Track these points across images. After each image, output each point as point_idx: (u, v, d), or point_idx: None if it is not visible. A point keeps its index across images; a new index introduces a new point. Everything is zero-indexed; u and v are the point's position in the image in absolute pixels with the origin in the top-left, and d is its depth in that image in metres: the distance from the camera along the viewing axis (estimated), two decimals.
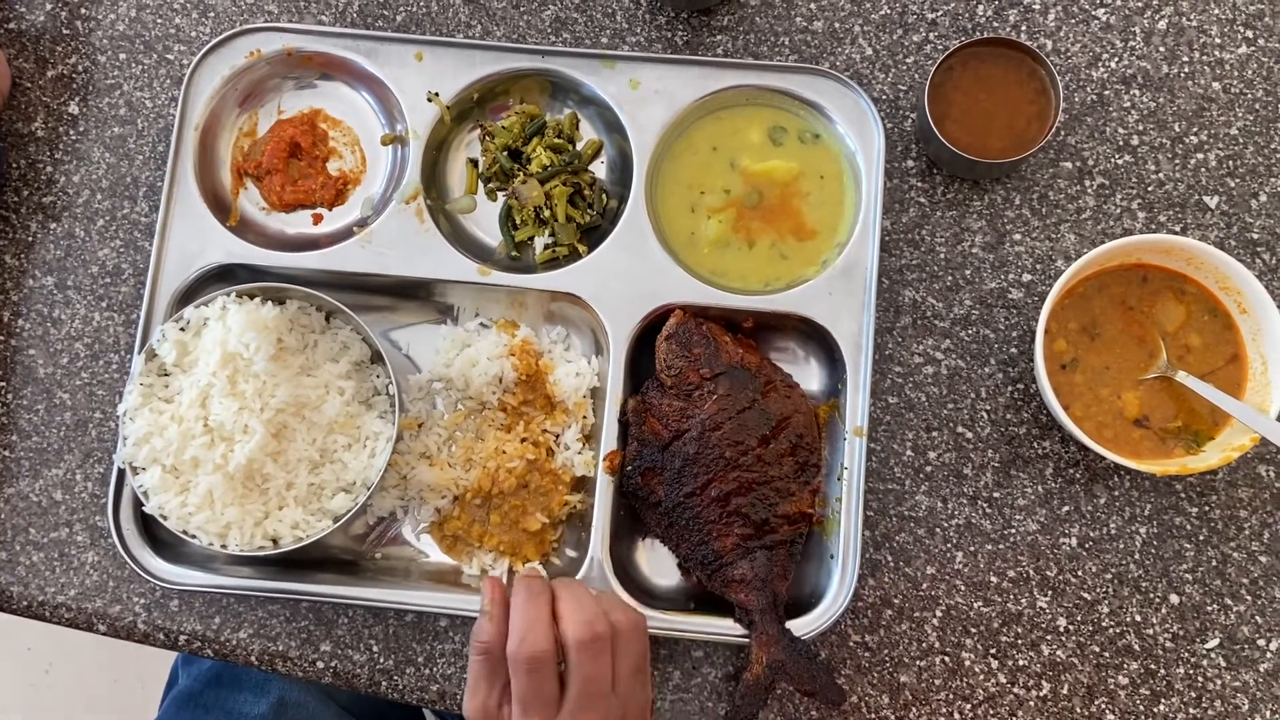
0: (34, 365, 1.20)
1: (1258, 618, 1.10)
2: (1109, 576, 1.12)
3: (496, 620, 0.95)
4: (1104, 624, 1.11)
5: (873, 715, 1.10)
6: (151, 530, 1.12)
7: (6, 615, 1.19)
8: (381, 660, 1.13)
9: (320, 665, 1.13)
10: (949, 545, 1.13)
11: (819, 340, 1.15)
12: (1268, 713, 1.09)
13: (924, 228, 1.18)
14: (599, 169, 1.22)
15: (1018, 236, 1.18)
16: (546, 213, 1.18)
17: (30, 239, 1.23)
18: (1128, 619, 1.11)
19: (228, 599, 1.14)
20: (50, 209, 1.24)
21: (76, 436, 1.18)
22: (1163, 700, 1.09)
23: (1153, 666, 1.10)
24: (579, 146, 1.21)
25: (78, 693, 2.35)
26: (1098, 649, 1.10)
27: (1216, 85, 1.20)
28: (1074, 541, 1.12)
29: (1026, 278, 1.17)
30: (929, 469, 1.14)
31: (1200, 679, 1.10)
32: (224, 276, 1.17)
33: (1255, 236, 1.17)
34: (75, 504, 1.17)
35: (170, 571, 1.10)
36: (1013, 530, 1.13)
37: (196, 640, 1.14)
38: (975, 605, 1.11)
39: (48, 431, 1.19)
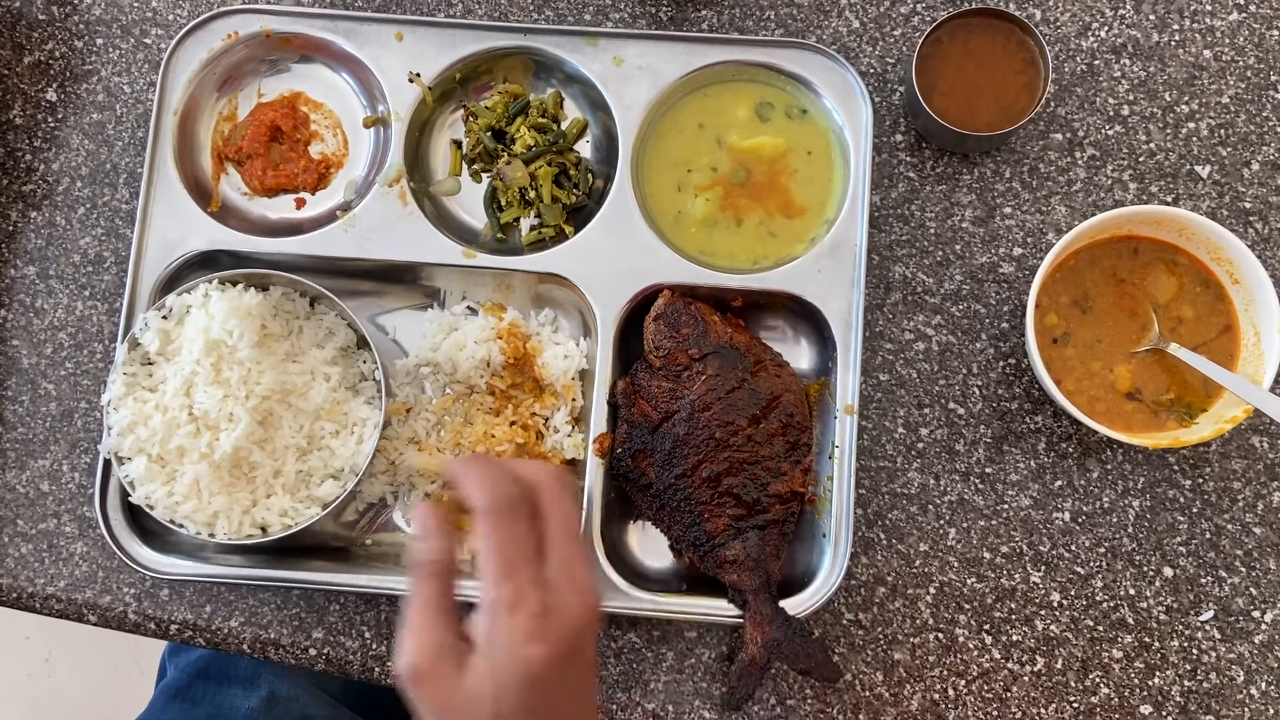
0: (18, 356, 1.19)
1: (1252, 589, 1.10)
2: (1102, 550, 1.11)
3: (444, 534, 0.78)
4: (1098, 598, 1.10)
5: (867, 692, 1.10)
6: (140, 520, 1.11)
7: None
8: (374, 646, 1.12)
9: (313, 652, 1.13)
10: (941, 522, 1.12)
11: (809, 318, 1.14)
12: (1263, 684, 1.08)
13: (913, 202, 1.17)
14: (584, 148, 1.20)
15: (1008, 210, 1.17)
16: (532, 194, 1.17)
17: (10, 228, 1.21)
18: (1121, 593, 1.10)
19: (218, 588, 1.14)
20: (30, 197, 1.22)
21: (62, 427, 1.18)
22: (1157, 673, 1.09)
23: (1147, 640, 1.10)
24: (563, 126, 1.20)
25: (77, 681, 2.35)
26: (1091, 623, 1.10)
27: (1207, 53, 1.18)
28: (1067, 516, 1.12)
29: (1017, 251, 1.16)
30: (921, 446, 1.13)
31: (1195, 651, 1.09)
32: (207, 263, 1.16)
33: (1248, 205, 1.16)
34: (63, 495, 1.16)
35: (159, 561, 1.10)
36: (1005, 506, 1.12)
37: (188, 629, 1.13)
38: (968, 581, 1.11)
39: (33, 422, 1.18)
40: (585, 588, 0.75)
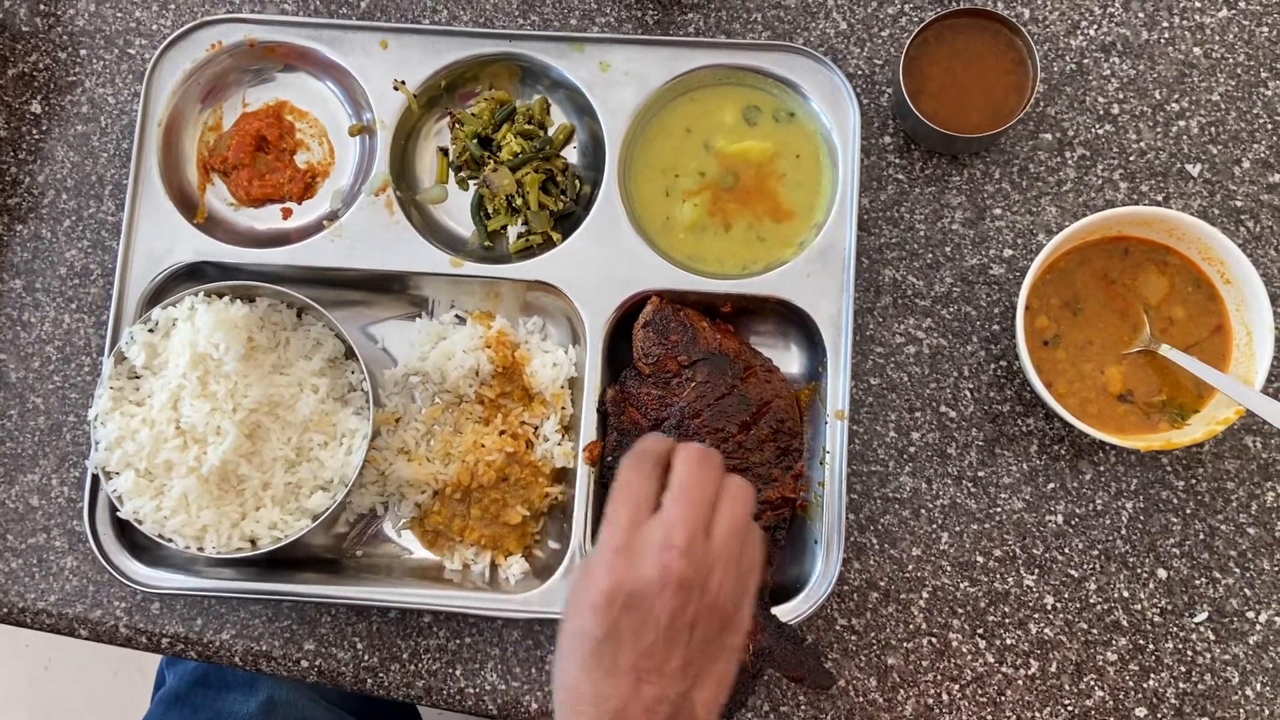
0: (5, 370, 1.19)
1: (1246, 590, 1.10)
2: (1096, 553, 1.11)
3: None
4: (1091, 600, 1.10)
5: (861, 698, 1.10)
6: (129, 534, 1.10)
7: None
8: (366, 658, 1.12)
9: (305, 664, 1.12)
10: (934, 526, 1.12)
11: (798, 323, 1.14)
12: (1258, 685, 1.08)
13: (903, 205, 1.17)
14: (571, 154, 1.20)
15: (998, 211, 1.16)
16: (519, 201, 1.16)
17: None
18: (1115, 595, 1.10)
19: (209, 601, 1.13)
20: (16, 210, 1.22)
21: (51, 441, 1.17)
22: (1152, 675, 1.09)
23: (1141, 642, 1.09)
24: (550, 132, 1.19)
25: (78, 687, 2.35)
26: (1086, 626, 1.10)
27: (1197, 50, 1.17)
28: (1060, 519, 1.11)
29: (1008, 253, 1.16)
30: (912, 450, 1.13)
31: (1190, 653, 1.09)
32: (193, 275, 1.15)
33: (1239, 204, 1.15)
34: (52, 509, 1.16)
35: (150, 575, 1.09)
36: (998, 509, 1.12)
37: (179, 643, 1.13)
38: (962, 585, 1.11)
39: (21, 436, 1.17)
40: (669, 547, 0.76)
